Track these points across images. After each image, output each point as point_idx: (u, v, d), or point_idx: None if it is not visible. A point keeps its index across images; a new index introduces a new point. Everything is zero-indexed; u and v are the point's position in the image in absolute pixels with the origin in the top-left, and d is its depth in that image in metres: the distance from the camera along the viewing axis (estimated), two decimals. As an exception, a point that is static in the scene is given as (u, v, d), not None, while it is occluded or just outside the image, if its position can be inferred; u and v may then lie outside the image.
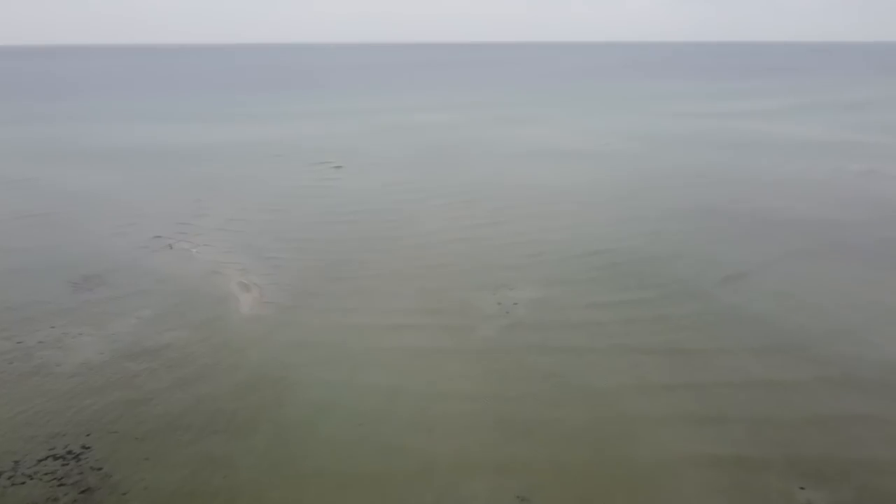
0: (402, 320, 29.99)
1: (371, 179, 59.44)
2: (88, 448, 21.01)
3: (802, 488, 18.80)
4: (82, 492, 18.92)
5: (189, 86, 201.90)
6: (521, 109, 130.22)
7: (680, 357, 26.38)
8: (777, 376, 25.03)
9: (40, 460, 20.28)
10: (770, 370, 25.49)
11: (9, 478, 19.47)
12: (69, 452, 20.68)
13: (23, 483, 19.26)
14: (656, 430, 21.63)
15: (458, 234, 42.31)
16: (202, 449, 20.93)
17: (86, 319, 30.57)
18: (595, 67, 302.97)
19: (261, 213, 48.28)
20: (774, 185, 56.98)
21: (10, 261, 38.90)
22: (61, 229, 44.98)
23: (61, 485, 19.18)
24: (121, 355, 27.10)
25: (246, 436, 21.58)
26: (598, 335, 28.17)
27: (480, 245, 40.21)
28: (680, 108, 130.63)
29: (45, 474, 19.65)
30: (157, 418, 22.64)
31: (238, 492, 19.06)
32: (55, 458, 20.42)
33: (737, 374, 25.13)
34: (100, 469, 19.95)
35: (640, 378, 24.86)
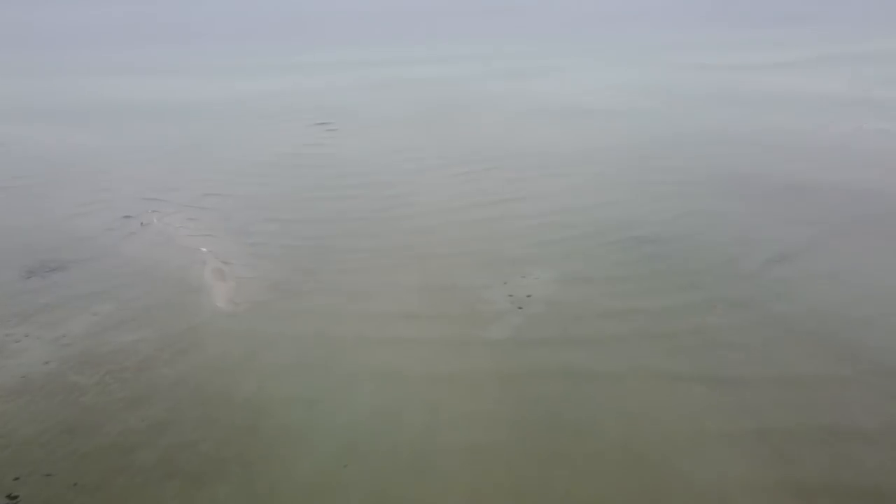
0: (398, 326, 25.47)
1: (368, 144, 54.10)
2: (15, 498, 17.20)
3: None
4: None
5: (175, 35, 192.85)
6: (530, 61, 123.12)
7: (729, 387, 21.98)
8: (859, 420, 20.62)
9: (-49, 518, 16.57)
10: (841, 403, 21.20)
11: None
12: (-12, 506, 16.93)
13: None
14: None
15: (463, 213, 37.32)
16: (152, 500, 17.09)
17: (34, 317, 26.49)
18: (604, 15, 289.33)
19: (244, 184, 43.51)
20: (807, 148, 51.41)
21: (-40, 242, 34.76)
22: (20, 205, 40.59)
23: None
24: (69, 365, 23.07)
25: (208, 482, 17.68)
26: (623, 351, 23.61)
27: (489, 227, 35.21)
28: (694, 59, 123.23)
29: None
30: (101, 454, 18.72)
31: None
32: (-31, 514, 16.70)
33: (805, 415, 20.68)
34: (23, 530, 16.22)
35: (688, 416, 20.65)
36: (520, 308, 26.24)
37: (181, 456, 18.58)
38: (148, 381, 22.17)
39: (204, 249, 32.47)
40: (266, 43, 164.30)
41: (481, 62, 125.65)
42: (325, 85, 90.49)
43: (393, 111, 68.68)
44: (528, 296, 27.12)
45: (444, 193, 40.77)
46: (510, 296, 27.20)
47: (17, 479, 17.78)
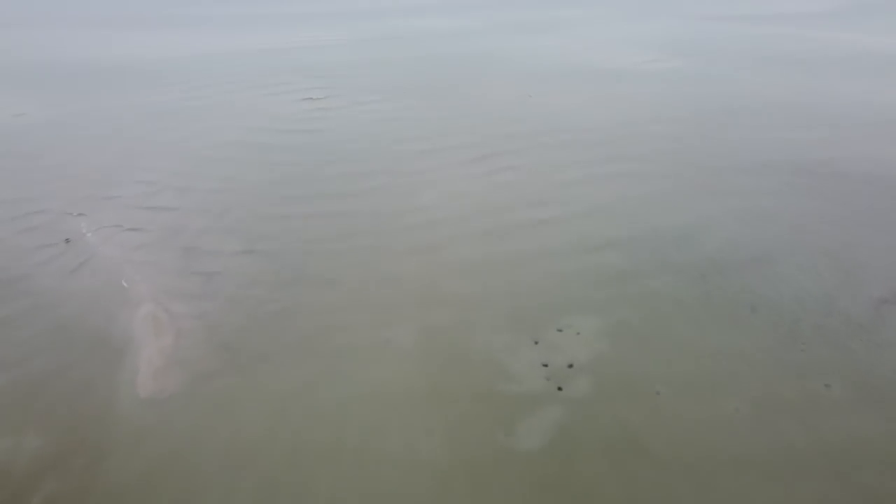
0: (386, 434, 17.71)
1: (358, 119, 45.52)
2: None
3: None
4: None
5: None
6: (537, 12, 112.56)
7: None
8: None
9: None
10: None
11: None
12: None
13: None
14: None
15: (477, 226, 28.74)
16: None
17: None
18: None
19: (204, 177, 35.36)
20: (867, 124, 42.56)
21: None
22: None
23: None
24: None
25: None
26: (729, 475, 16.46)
27: (512, 250, 26.54)
28: (717, 8, 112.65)
29: None
30: None
31: None
32: None
33: None
34: None
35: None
36: (559, 389, 18.91)
37: None
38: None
39: (140, 283, 24.91)
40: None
41: (485, 11, 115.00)
42: (309, 41, 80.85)
43: (389, 76, 59.72)
44: (570, 365, 19.74)
45: (452, 196, 31.93)
46: (544, 365, 19.83)
47: None
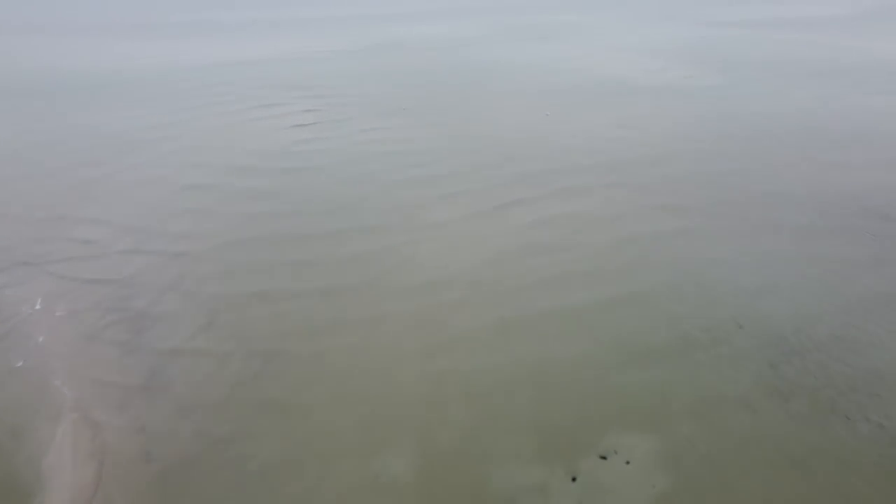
0: None
1: (352, 152, 37.48)
2: None
3: None
4: None
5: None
6: (545, 16, 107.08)
7: None
8: None
9: None
10: None
11: None
12: None
13: None
14: None
15: (493, 311, 20.76)
16: None
17: None
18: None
19: (158, 235, 27.31)
20: None
21: None
22: None
23: None
24: None
25: None
26: None
27: (535, 336, 19.03)
28: (731, 13, 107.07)
29: None
30: None
31: None
32: None
33: None
34: None
35: None
36: None
37: None
38: None
39: (62, 386, 19.03)
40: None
41: (489, 16, 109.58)
42: (303, 50, 75.30)
43: (389, 92, 53.44)
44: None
45: (466, 268, 23.69)
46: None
47: None
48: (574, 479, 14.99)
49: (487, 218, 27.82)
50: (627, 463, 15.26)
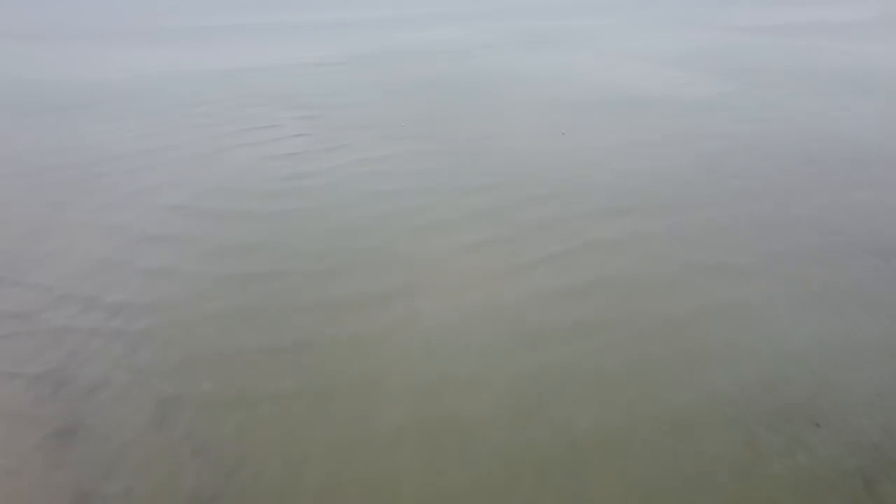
0: None
1: (349, 188, 32.50)
2: None
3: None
4: None
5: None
6: (551, 21, 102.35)
7: None
8: None
9: None
10: None
11: None
12: None
13: None
14: None
15: (508, 382, 16.39)
16: None
17: None
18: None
19: (102, 306, 22.17)
20: None
21: None
22: None
23: None
24: None
25: None
26: None
27: (559, 438, 15.22)
28: (748, 18, 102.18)
29: None
30: None
31: None
32: None
33: None
34: None
35: None
36: None
37: None
38: None
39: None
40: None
41: (496, 21, 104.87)
42: (298, 58, 70.85)
43: (391, 108, 49.01)
44: None
45: (467, 322, 19.36)
46: None
47: None
48: None
49: (508, 281, 23.07)
50: None
